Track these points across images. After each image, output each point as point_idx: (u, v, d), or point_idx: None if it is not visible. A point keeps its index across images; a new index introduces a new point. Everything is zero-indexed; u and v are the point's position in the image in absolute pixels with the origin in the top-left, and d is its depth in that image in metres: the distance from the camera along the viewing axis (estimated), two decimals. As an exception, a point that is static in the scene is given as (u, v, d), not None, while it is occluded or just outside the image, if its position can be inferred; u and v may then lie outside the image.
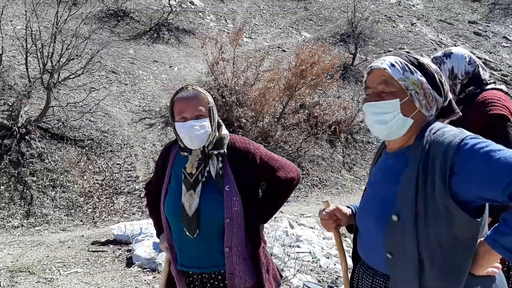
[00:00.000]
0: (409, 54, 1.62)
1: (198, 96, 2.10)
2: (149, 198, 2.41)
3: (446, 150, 1.42)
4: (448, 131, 1.49)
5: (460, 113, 1.64)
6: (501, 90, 2.53)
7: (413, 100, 1.54)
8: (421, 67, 1.58)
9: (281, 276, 2.43)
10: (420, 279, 1.48)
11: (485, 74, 2.59)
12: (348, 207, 1.92)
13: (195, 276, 2.15)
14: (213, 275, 2.13)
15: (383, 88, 1.56)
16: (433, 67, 1.60)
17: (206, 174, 2.08)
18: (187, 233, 2.06)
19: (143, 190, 8.82)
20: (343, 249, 1.96)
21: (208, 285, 2.15)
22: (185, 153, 2.12)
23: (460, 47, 2.78)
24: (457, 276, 1.47)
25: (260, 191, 2.34)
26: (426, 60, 1.61)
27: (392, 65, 1.56)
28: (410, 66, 1.56)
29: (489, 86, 2.52)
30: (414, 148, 1.53)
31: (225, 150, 2.12)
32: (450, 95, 1.63)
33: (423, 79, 1.56)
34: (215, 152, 2.10)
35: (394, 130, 1.56)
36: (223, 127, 2.21)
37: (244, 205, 2.09)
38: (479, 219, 1.44)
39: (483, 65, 2.63)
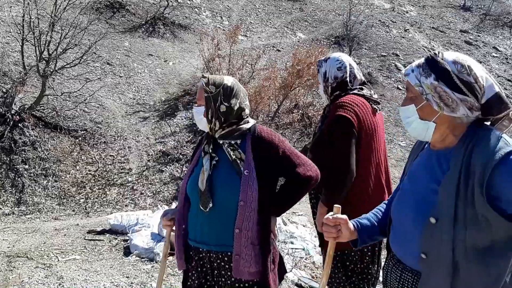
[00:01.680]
0: (434, 55, 1.56)
1: (203, 85, 2.27)
2: None
3: (487, 161, 1.43)
4: (493, 140, 1.47)
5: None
6: (363, 96, 2.74)
7: (430, 103, 1.54)
8: (437, 68, 1.53)
9: (286, 271, 2.49)
10: (452, 281, 1.51)
11: (354, 80, 2.79)
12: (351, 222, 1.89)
13: (204, 254, 2.24)
14: (220, 255, 2.21)
15: (408, 94, 1.63)
16: (458, 64, 1.51)
17: (215, 155, 2.23)
18: (201, 207, 2.17)
19: (136, 182, 8.83)
20: (330, 264, 1.92)
21: (215, 264, 2.23)
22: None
23: (340, 53, 2.99)
24: (494, 280, 1.49)
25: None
26: (450, 58, 1.53)
27: (412, 70, 1.58)
28: (426, 70, 1.54)
29: (353, 92, 2.73)
30: (457, 150, 1.53)
31: (235, 141, 2.22)
32: (494, 89, 1.52)
33: (437, 82, 1.51)
34: (222, 141, 2.23)
35: (418, 133, 1.62)
36: (248, 119, 2.30)
37: (260, 192, 2.16)
38: None
39: (356, 72, 2.82)
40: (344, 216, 1.82)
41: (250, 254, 2.16)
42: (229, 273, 2.20)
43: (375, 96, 2.86)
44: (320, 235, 2.89)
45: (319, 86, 2.93)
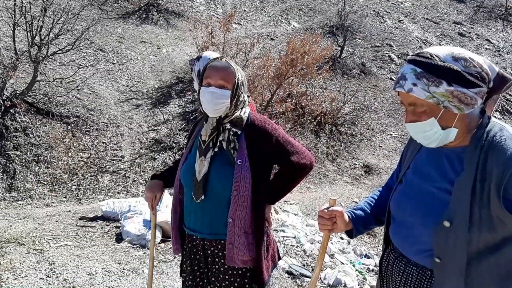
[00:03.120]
0: (428, 60, 1.46)
1: (227, 68, 2.17)
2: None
3: (504, 165, 1.39)
4: (509, 140, 1.43)
5: None
6: None
7: (449, 110, 1.46)
8: (444, 72, 1.44)
9: (279, 258, 2.51)
10: (466, 281, 1.50)
11: None
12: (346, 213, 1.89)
13: (197, 241, 2.24)
14: (214, 243, 2.21)
15: (414, 109, 1.51)
16: (460, 60, 1.45)
17: (218, 144, 2.16)
18: (193, 197, 2.17)
19: (128, 169, 8.83)
20: (324, 255, 1.93)
21: (209, 252, 2.24)
22: (203, 121, 2.23)
23: (212, 51, 3.13)
24: (506, 277, 1.49)
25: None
26: (449, 58, 1.46)
27: (414, 84, 1.45)
28: (433, 78, 1.43)
29: None
30: (471, 150, 1.49)
31: (239, 130, 2.20)
32: (495, 70, 1.51)
33: (452, 87, 1.43)
34: (228, 126, 2.18)
35: (441, 141, 1.52)
36: (247, 108, 2.28)
37: (253, 181, 2.15)
38: None
39: None
40: (340, 209, 1.81)
41: (243, 243, 2.17)
42: (222, 261, 2.21)
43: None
44: None
45: (194, 83, 3.08)
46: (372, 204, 1.94)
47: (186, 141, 2.53)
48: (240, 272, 2.22)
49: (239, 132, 2.18)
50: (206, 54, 3.01)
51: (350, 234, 1.90)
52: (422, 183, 1.62)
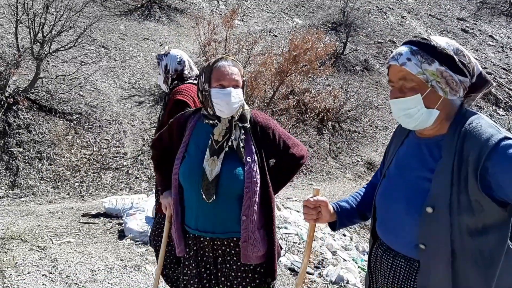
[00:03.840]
0: (425, 40, 1.55)
1: (236, 66, 2.20)
2: (157, 153, 2.50)
3: (481, 148, 1.43)
4: (484, 126, 1.48)
5: (494, 84, 1.64)
6: (194, 84, 3.07)
7: (435, 90, 1.52)
8: (438, 53, 1.52)
9: (281, 248, 2.54)
10: (453, 268, 1.51)
11: (190, 73, 3.18)
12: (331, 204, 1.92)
13: (206, 243, 2.22)
14: (225, 242, 2.21)
15: (403, 84, 1.56)
16: (452, 48, 1.54)
17: (230, 143, 2.16)
18: (204, 197, 2.13)
19: (131, 166, 8.83)
20: (311, 245, 1.95)
21: (220, 251, 2.23)
22: (211, 121, 2.20)
23: (178, 49, 3.32)
24: (489, 265, 1.50)
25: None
26: (443, 43, 1.55)
27: (408, 59, 1.52)
28: (427, 56, 1.52)
29: (188, 81, 3.11)
30: (449, 138, 1.54)
31: (248, 124, 2.23)
32: (479, 68, 1.60)
33: (442, 67, 1.51)
34: (240, 124, 2.20)
35: (420, 123, 1.56)
36: (245, 103, 2.30)
37: (262, 176, 2.20)
38: (506, 208, 1.49)
39: (193, 66, 3.24)
40: (325, 198, 1.85)
41: (257, 239, 2.19)
42: (234, 258, 2.21)
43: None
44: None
45: (158, 77, 3.25)
46: (358, 199, 1.97)
47: (170, 131, 2.41)
48: (252, 267, 2.23)
49: (247, 127, 2.21)
50: (173, 53, 3.17)
51: (333, 226, 1.93)
52: (404, 175, 1.66)
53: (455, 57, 1.53)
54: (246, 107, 2.28)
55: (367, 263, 1.87)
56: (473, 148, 1.45)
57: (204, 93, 2.20)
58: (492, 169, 1.42)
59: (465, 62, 1.54)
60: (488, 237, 1.49)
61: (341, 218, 1.90)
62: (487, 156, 1.42)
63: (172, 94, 3.01)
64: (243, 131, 2.20)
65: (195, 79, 3.13)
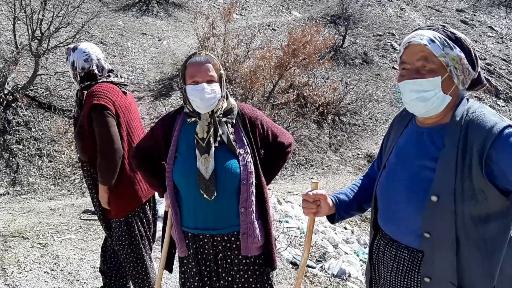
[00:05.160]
0: (445, 28, 1.57)
1: (210, 61, 2.18)
2: (138, 162, 2.46)
3: (485, 137, 1.43)
4: (488, 115, 1.49)
5: (487, 84, 1.69)
6: (111, 82, 2.98)
7: (452, 76, 1.52)
8: (458, 41, 1.55)
9: (275, 239, 2.56)
10: (457, 256, 1.52)
11: (103, 71, 3.02)
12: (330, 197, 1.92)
13: (206, 240, 2.22)
14: (225, 237, 2.21)
15: (423, 65, 1.53)
16: (469, 41, 1.58)
17: (219, 138, 2.16)
18: (205, 196, 2.12)
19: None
20: (311, 239, 1.96)
21: (220, 247, 2.23)
22: (193, 119, 2.20)
23: (88, 43, 3.11)
24: (492, 253, 1.51)
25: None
26: (462, 35, 1.58)
27: (432, 40, 1.52)
28: (449, 41, 1.53)
29: (102, 80, 2.97)
30: (451, 126, 1.53)
31: (234, 120, 2.23)
32: (479, 67, 1.65)
33: (462, 54, 1.53)
34: (224, 119, 2.20)
35: (433, 108, 1.55)
36: (231, 97, 2.31)
37: (255, 167, 2.22)
38: (508, 197, 1.50)
39: (104, 63, 3.05)
40: (324, 192, 1.86)
41: (256, 230, 2.20)
42: (236, 252, 2.22)
43: (122, 80, 3.11)
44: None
45: (70, 73, 3.08)
46: (355, 191, 1.97)
47: (151, 136, 2.38)
48: (252, 259, 2.25)
49: (234, 122, 2.22)
50: (81, 47, 3.00)
51: (332, 219, 1.93)
52: (405, 164, 1.65)
53: (471, 49, 1.56)
54: (233, 102, 2.27)
55: (368, 255, 1.87)
56: (477, 136, 1.45)
57: (181, 91, 2.21)
58: (496, 156, 1.42)
59: (476, 56, 1.58)
60: (491, 226, 1.50)
61: (340, 211, 1.91)
62: (492, 143, 1.42)
63: (87, 96, 2.87)
64: (230, 125, 2.20)
65: (109, 76, 3.04)
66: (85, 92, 2.92)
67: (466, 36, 1.60)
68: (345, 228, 6.72)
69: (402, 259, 1.64)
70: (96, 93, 2.85)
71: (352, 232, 6.54)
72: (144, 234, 3.20)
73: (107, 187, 2.93)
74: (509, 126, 1.44)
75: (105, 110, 2.84)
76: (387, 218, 1.73)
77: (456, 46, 1.53)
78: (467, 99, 1.59)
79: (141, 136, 3.10)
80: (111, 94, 2.91)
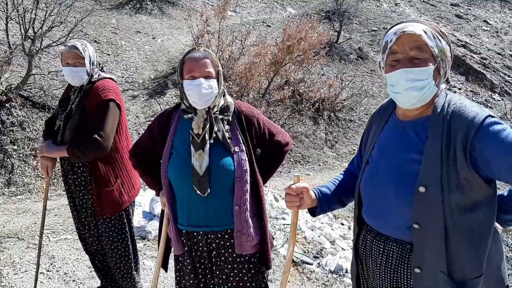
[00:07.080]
0: (430, 22, 1.62)
1: (208, 57, 2.17)
2: (137, 160, 2.46)
3: (468, 127, 1.46)
4: (469, 106, 1.52)
5: (450, 82, 1.70)
6: (110, 78, 2.99)
7: (439, 68, 1.56)
8: (443, 35, 1.59)
9: (273, 238, 2.55)
10: (446, 245, 1.53)
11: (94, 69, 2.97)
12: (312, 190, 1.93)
13: (199, 237, 2.21)
14: (219, 235, 2.20)
15: (416, 54, 1.53)
16: (449, 36, 1.62)
17: (214, 134, 2.15)
18: (198, 192, 2.12)
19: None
20: (295, 232, 1.97)
21: (214, 245, 2.22)
22: (189, 115, 2.18)
23: (80, 40, 3.10)
24: (479, 241, 1.54)
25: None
26: (444, 29, 1.63)
27: (424, 31, 1.54)
28: (437, 34, 1.56)
29: (103, 76, 2.95)
30: (434, 118, 1.55)
31: (230, 117, 2.22)
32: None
33: (448, 47, 1.58)
34: (220, 116, 2.19)
35: (424, 98, 1.56)
36: (228, 95, 2.29)
37: (250, 165, 2.20)
38: (491, 185, 1.55)
39: (95, 59, 2.99)
40: (306, 184, 1.87)
41: (250, 228, 2.19)
42: (230, 250, 2.21)
43: (114, 76, 3.12)
44: None
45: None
46: (336, 185, 1.98)
47: (148, 134, 2.35)
48: (247, 258, 2.23)
49: (230, 119, 2.20)
50: (80, 43, 2.93)
51: (313, 212, 1.94)
52: (389, 158, 1.67)
53: (450, 44, 1.62)
54: (229, 99, 2.26)
55: (353, 251, 1.87)
56: (460, 127, 1.48)
57: (178, 86, 2.19)
58: (479, 146, 1.45)
59: (452, 51, 1.64)
60: (477, 214, 1.53)
61: (322, 204, 1.92)
62: (475, 133, 1.45)
63: (99, 90, 2.81)
64: (226, 122, 2.19)
65: (102, 71, 3.03)
66: (93, 86, 2.86)
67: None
68: (342, 224, 6.72)
69: (391, 252, 1.65)
70: (110, 89, 2.85)
71: (349, 228, 6.54)
72: (130, 232, 3.23)
73: (66, 155, 2.84)
74: (490, 116, 1.48)
75: (116, 106, 2.87)
76: (373, 212, 1.74)
77: (442, 39, 1.57)
78: (446, 92, 1.62)
79: (128, 134, 3.17)
80: (118, 91, 2.94)
